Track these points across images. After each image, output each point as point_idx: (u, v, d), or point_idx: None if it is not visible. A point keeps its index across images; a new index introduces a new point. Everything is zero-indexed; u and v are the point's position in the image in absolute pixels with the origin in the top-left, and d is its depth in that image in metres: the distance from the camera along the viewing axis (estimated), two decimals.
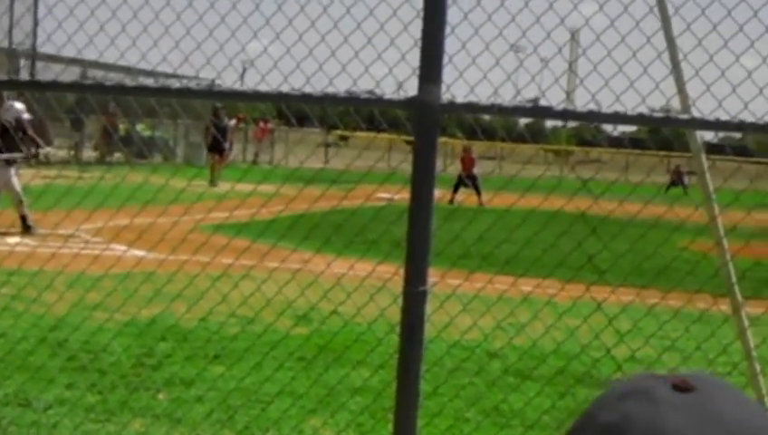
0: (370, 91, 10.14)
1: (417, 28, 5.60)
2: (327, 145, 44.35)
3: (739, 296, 5.75)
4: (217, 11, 6.57)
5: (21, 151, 17.83)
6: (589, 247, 7.63)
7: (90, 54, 12.69)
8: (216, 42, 6.73)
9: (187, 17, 6.50)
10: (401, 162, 5.89)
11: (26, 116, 18.10)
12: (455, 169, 29.83)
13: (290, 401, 7.34)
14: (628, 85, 5.97)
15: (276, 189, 11.27)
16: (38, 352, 8.43)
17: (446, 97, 5.73)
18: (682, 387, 1.10)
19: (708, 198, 5.82)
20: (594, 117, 6.38)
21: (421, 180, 5.61)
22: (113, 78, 33.92)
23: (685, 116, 5.79)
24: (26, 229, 16.45)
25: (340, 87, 6.65)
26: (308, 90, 6.56)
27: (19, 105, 17.86)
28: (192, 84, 28.28)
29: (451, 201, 27.14)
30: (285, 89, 6.78)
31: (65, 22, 6.82)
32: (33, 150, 18.94)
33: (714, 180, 6.28)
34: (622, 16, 5.97)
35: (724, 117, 5.67)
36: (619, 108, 5.94)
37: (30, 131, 18.40)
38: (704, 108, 5.95)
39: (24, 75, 34.75)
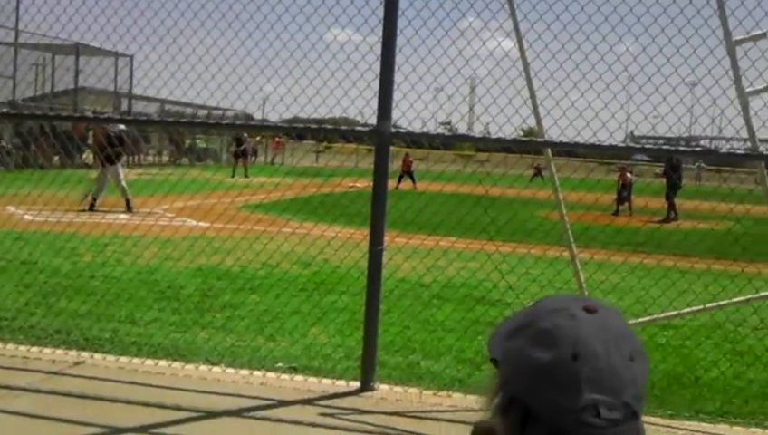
0: (347, 119, 10.21)
1: (376, 83, 5.74)
2: (317, 151, 43.92)
3: (575, 249, 5.88)
4: (246, 66, 6.67)
5: (122, 156, 17.46)
6: (485, 218, 7.75)
7: (164, 93, 12.58)
8: (243, 83, 6.80)
9: (226, 69, 6.60)
10: (370, 164, 5.92)
11: (123, 127, 17.59)
12: (398, 166, 29.99)
13: (299, 317, 7.32)
14: (506, 120, 6.13)
15: (292, 182, 11.38)
16: (140, 289, 8.42)
17: (394, 127, 5.88)
18: (590, 309, 1.08)
19: (555, 190, 5.91)
20: (486, 141, 6.55)
21: (379, 178, 5.75)
22: (180, 110, 33.71)
23: (540, 139, 5.90)
24: (129, 209, 16.25)
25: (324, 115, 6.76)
26: (303, 115, 6.68)
27: (121, 126, 17.40)
28: (229, 113, 28.22)
29: (396, 187, 27.43)
30: (288, 116, 6.87)
31: (151, 71, 6.88)
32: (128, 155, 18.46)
33: (563, 173, 6.37)
34: (502, 78, 6.15)
35: (564, 139, 5.89)
36: (500, 134, 6.15)
37: (127, 141, 17.93)
38: (553, 132, 6.07)
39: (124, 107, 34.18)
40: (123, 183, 16.73)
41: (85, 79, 31.63)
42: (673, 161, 20.48)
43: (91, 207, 15.98)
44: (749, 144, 5.51)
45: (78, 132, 27.85)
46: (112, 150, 16.54)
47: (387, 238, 5.83)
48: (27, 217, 12.23)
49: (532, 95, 5.81)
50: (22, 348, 6.19)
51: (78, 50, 29.21)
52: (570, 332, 1.06)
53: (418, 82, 6.38)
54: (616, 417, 1.02)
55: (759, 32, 5.29)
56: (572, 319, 1.07)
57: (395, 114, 5.83)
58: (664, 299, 6.76)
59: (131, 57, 29.53)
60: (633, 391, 1.03)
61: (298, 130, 7.78)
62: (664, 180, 21.12)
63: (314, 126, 6.82)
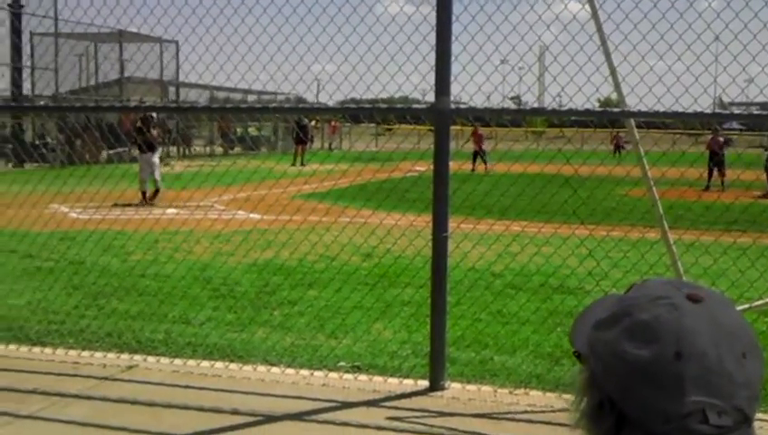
0: (405, 99, 10.13)
1: (432, 56, 5.65)
2: (377, 134, 43.96)
3: (666, 224, 5.71)
4: (291, 43, 6.65)
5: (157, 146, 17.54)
6: (558, 198, 7.59)
7: (207, 79, 12.72)
8: (290, 63, 6.79)
9: (271, 49, 6.59)
10: (430, 144, 5.84)
11: (151, 114, 17.41)
12: (469, 147, 29.63)
13: (361, 312, 7.28)
14: (577, 90, 5.98)
15: (347, 168, 11.40)
16: (193, 287, 8.49)
17: (453, 103, 5.80)
18: (694, 298, 1.03)
19: (642, 163, 5.74)
20: (556, 113, 6.42)
21: (440, 158, 5.69)
22: (227, 96, 34.03)
23: (617, 109, 5.76)
24: (143, 202, 16.24)
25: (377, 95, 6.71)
26: (355, 95, 6.63)
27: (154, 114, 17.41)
28: (280, 97, 28.36)
29: (473, 169, 27.20)
30: (340, 97, 6.83)
31: (191, 56, 6.91)
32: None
33: (645, 145, 6.17)
34: (572, 43, 6.00)
35: (643, 108, 5.72)
36: (572, 105, 6.01)
37: (152, 129, 17.62)
38: (630, 101, 5.90)
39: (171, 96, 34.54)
40: (156, 174, 16.85)
41: (130, 68, 32.14)
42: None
43: (146, 201, 16.30)
44: None
45: (123, 127, 28.40)
46: (141, 138, 16.71)
47: (451, 224, 5.77)
48: (72, 214, 12.53)
49: (608, 60, 5.66)
50: (72, 353, 6.32)
51: (121, 37, 29.70)
52: (672, 325, 1.01)
53: (478, 53, 6.28)
54: (726, 423, 0.96)
55: None
56: (675, 310, 1.02)
57: (455, 89, 5.77)
58: (762, 282, 6.54)
59: (176, 42, 29.94)
60: (746, 394, 0.98)
61: (350, 111, 7.78)
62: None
63: (368, 105, 6.80)
